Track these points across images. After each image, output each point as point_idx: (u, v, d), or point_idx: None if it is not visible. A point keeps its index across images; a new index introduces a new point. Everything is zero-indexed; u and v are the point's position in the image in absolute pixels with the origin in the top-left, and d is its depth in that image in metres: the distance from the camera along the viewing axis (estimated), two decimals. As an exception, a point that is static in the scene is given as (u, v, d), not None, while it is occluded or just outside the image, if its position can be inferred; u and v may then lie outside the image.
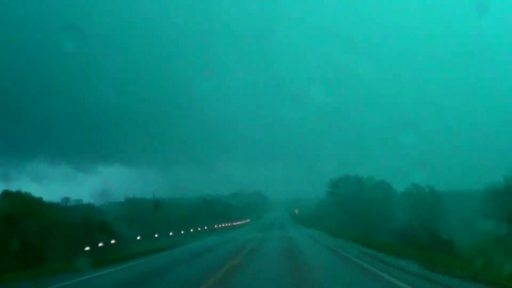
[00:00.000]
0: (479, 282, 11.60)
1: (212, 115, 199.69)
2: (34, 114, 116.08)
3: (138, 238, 45.25)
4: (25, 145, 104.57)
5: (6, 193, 32.47)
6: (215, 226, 73.59)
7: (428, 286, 11.54)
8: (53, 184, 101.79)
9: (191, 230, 66.66)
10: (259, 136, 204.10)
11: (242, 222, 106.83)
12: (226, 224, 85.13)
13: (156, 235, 52.06)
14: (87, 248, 29.54)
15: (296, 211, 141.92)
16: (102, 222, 40.98)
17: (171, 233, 56.99)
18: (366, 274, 14.25)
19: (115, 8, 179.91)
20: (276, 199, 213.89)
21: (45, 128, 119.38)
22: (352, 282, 13.05)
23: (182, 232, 60.91)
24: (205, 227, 72.32)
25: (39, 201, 31.30)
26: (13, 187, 37.26)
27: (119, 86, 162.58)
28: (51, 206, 43.26)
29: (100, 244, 33.19)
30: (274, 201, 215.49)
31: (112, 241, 37.62)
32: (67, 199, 66.62)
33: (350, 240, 31.92)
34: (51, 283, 16.48)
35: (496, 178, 35.17)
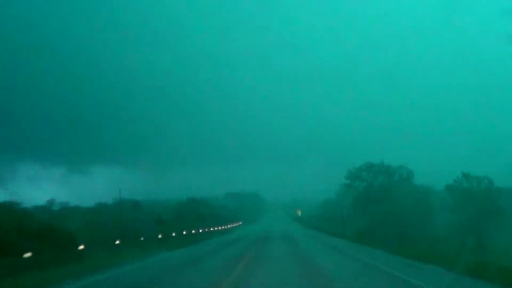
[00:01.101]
0: None
1: (207, 116, 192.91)
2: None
3: (81, 247, 31.32)
4: (12, 146, 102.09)
5: None
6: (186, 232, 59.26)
7: None
8: (42, 186, 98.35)
9: (173, 234, 55.32)
10: (257, 136, 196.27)
11: (231, 226, 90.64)
12: (209, 229, 71.07)
13: (117, 242, 38.67)
14: None
15: (299, 213, 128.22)
16: (49, 228, 29.85)
17: (142, 239, 43.15)
18: None
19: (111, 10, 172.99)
20: (274, 201, 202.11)
21: (32, 130, 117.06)
22: None
23: (160, 236, 49.24)
24: (186, 231, 59.37)
25: None
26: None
27: (107, 83, 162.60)
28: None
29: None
30: (271, 203, 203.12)
31: (27, 255, 24.01)
32: (52, 201, 66.32)
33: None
34: None
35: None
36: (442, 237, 36.23)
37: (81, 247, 31.26)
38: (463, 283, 13.86)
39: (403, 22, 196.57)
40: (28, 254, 23.97)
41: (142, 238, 43.73)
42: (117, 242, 38.09)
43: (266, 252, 27.53)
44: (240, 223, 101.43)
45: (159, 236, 50.15)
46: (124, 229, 45.87)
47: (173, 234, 55.88)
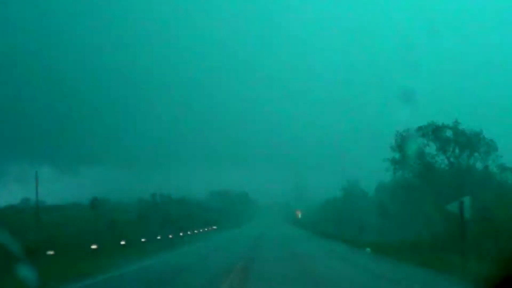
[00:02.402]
0: None
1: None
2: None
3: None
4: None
5: None
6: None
7: None
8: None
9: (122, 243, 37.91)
10: (249, 132, 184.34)
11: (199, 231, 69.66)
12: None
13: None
14: None
15: (298, 214, 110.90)
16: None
17: (94, 246, 31.80)
18: None
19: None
20: (267, 202, 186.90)
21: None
22: None
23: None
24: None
25: None
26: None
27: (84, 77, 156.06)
28: None
29: None
30: (263, 204, 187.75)
31: None
32: (26, 200, 65.94)
33: None
34: None
35: None
36: None
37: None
38: None
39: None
40: None
41: (95, 246, 31.53)
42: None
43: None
44: (215, 227, 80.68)
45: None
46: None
47: (122, 243, 37.55)
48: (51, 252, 27.66)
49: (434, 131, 30.33)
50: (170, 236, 52.42)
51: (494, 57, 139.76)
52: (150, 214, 60.21)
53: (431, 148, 30.94)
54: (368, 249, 27.99)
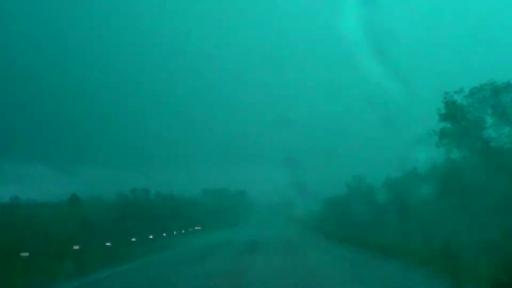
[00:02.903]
0: None
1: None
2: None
3: None
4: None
5: None
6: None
7: None
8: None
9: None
10: (245, 128, 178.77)
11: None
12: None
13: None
14: None
15: (300, 213, 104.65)
16: None
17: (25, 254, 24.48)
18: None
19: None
20: (265, 201, 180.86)
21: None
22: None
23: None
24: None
25: None
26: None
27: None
28: None
29: None
30: (261, 203, 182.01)
31: None
32: (16, 199, 65.69)
33: None
34: None
35: None
36: None
37: None
38: None
39: None
40: None
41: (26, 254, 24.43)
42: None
43: None
44: (199, 228, 73.05)
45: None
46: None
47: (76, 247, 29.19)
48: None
49: (494, 94, 22.29)
50: (151, 237, 45.60)
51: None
52: (129, 212, 52.86)
53: (489, 119, 22.96)
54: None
